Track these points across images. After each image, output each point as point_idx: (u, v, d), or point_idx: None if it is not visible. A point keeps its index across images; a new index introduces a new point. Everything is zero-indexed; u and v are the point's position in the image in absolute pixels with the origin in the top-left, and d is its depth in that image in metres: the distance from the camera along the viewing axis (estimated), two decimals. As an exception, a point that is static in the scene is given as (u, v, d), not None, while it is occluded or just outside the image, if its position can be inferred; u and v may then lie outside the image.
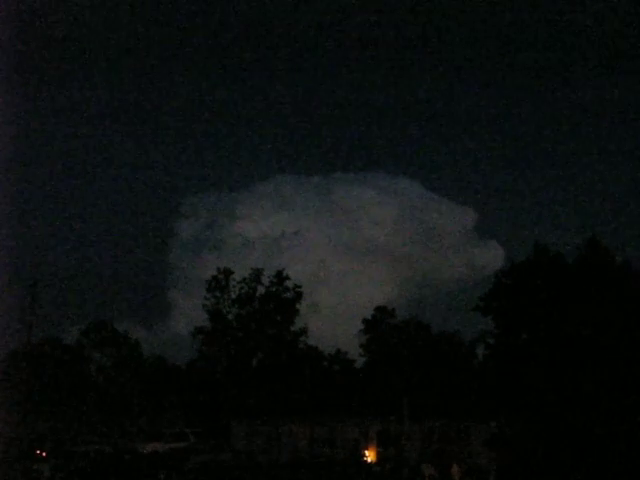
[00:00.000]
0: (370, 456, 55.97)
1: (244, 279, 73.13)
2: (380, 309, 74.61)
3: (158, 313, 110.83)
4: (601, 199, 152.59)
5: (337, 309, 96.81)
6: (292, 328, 72.94)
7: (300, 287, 73.57)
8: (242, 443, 59.46)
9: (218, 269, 73.69)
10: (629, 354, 47.97)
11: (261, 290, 73.30)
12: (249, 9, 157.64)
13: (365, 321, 73.98)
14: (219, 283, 72.91)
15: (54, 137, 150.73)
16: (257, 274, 73.43)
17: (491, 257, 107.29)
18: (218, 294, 72.79)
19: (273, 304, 72.81)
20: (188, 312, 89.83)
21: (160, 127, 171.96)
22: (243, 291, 72.96)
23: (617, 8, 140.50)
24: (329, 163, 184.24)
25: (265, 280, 73.34)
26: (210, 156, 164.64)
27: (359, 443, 57.26)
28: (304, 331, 73.01)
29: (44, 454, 52.81)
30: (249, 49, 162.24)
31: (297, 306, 73.09)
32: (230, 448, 57.87)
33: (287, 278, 73.45)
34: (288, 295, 73.04)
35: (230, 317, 72.72)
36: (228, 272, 73.43)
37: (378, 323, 73.75)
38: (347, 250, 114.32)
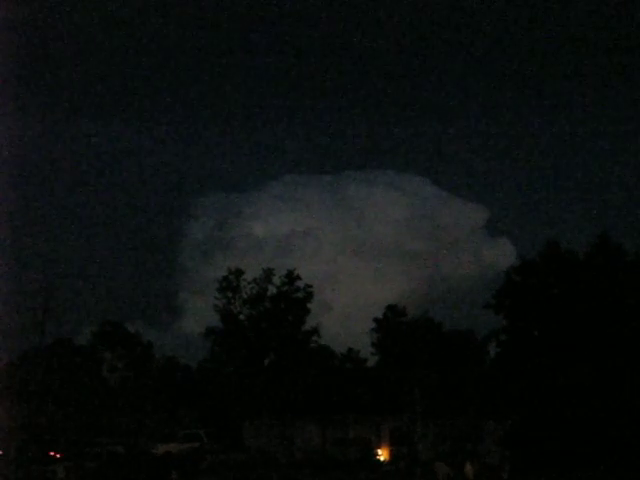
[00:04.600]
0: (383, 455, 56.02)
1: (255, 279, 73.14)
2: (391, 307, 74.53)
3: (169, 314, 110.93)
4: (612, 196, 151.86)
5: (348, 308, 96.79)
6: (303, 328, 72.91)
7: (311, 286, 73.55)
8: (255, 443, 59.54)
9: (229, 269, 73.75)
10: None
11: (272, 290, 73.31)
12: (259, 5, 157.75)
13: (376, 320, 73.93)
14: (230, 283, 72.94)
15: (63, 139, 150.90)
16: (268, 274, 73.42)
17: (502, 254, 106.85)
18: (229, 294, 72.82)
19: (284, 304, 72.79)
20: (199, 313, 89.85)
21: (169, 127, 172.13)
22: (254, 291, 72.97)
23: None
24: (338, 162, 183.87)
25: (276, 280, 73.34)
26: (219, 156, 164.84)
27: (372, 442, 57.29)
28: (316, 330, 72.97)
29: (58, 455, 53.02)
30: (258, 47, 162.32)
31: (308, 305, 73.06)
32: (243, 448, 57.93)
33: (298, 278, 73.43)
34: (299, 295, 73.02)
35: (241, 317, 72.75)
36: (239, 272, 73.44)
37: (389, 321, 73.68)
38: (358, 249, 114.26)
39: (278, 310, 72.42)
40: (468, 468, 45.09)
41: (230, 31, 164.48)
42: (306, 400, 60.89)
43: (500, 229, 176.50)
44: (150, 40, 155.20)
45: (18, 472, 44.12)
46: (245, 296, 72.94)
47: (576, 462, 45.18)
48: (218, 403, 68.76)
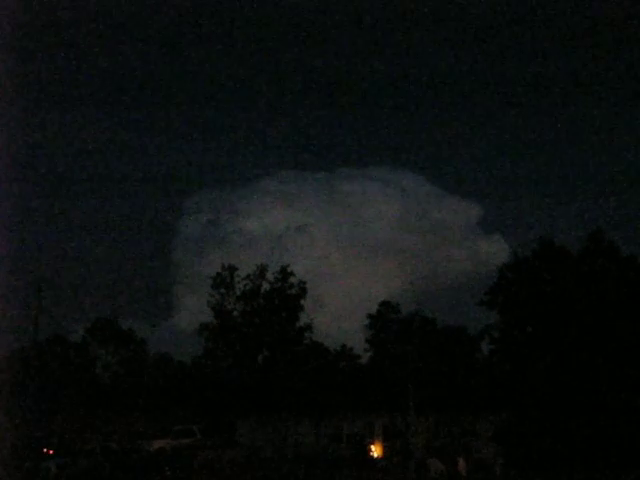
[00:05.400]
0: (376, 451, 56.05)
1: (248, 275, 73.19)
2: (385, 304, 74.64)
3: (163, 310, 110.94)
4: (605, 193, 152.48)
5: (342, 304, 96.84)
6: (297, 324, 72.98)
7: (304, 283, 73.63)
8: (248, 439, 59.55)
9: (222, 266, 73.78)
10: (634, 346, 47.99)
11: (266, 286, 73.36)
12: (252, 3, 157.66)
13: (370, 316, 74.00)
14: (223, 280, 72.98)
15: (55, 135, 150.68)
16: (261, 270, 73.48)
17: (496, 251, 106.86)
18: (223, 291, 72.87)
19: (278, 300, 72.85)
20: (193, 309, 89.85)
21: (162, 124, 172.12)
22: (248, 287, 73.01)
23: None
24: (332, 158, 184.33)
25: (269, 276, 73.42)
26: (212, 153, 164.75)
27: (365, 438, 57.34)
28: (309, 327, 73.04)
29: (51, 452, 52.98)
30: (252, 45, 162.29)
31: (302, 302, 73.14)
32: (236, 444, 57.96)
33: (291, 274, 73.51)
34: (293, 291, 73.09)
35: (235, 314, 72.81)
36: (232, 269, 73.49)
37: (383, 318, 73.77)
38: (351, 245, 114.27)
39: (272, 306, 72.49)
40: (461, 464, 45.19)
41: (225, 27, 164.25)
42: (299, 396, 60.91)
43: (494, 226, 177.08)
44: (144, 36, 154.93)
45: (11, 469, 44.03)
46: (239, 292, 73.00)
47: (569, 458, 45.30)
48: (212, 399, 68.79)
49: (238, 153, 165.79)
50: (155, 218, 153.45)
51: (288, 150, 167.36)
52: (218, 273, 73.31)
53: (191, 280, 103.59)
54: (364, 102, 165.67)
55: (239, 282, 73.09)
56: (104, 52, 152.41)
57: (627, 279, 50.81)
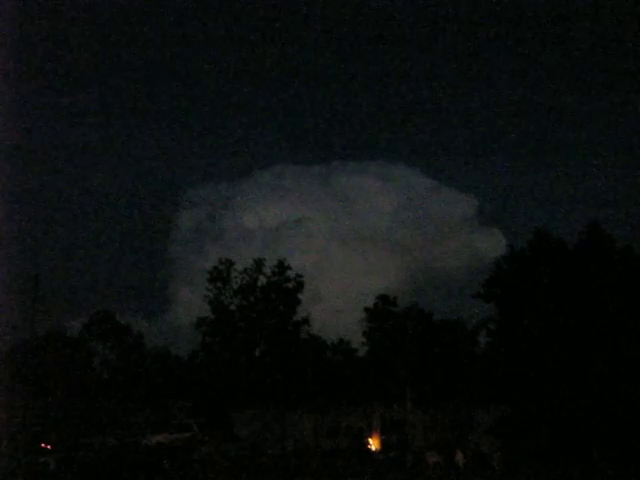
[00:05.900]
0: (374, 444, 56.19)
1: (245, 269, 73.11)
2: (382, 297, 74.60)
3: (160, 305, 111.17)
4: (602, 185, 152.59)
5: (339, 298, 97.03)
6: (294, 318, 72.90)
7: (301, 276, 73.54)
8: (246, 433, 59.67)
9: (219, 260, 73.70)
10: (630, 337, 48.13)
11: (263, 280, 73.26)
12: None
13: (367, 310, 74.00)
14: (220, 274, 72.88)
15: (54, 129, 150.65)
16: (258, 264, 73.38)
17: (492, 244, 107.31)
18: (220, 285, 72.76)
19: (275, 294, 72.76)
20: (190, 303, 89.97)
21: (159, 119, 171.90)
22: (244, 282, 72.92)
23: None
24: (329, 152, 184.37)
25: (266, 270, 73.33)
26: (209, 147, 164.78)
27: (363, 431, 57.49)
28: (306, 320, 72.99)
29: (49, 447, 53.01)
30: (250, 38, 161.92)
31: (299, 295, 73.07)
32: (234, 438, 58.05)
33: (288, 268, 73.42)
34: (290, 285, 72.99)
35: (232, 308, 72.71)
36: (229, 263, 73.39)
37: (380, 311, 73.75)
38: (348, 239, 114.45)
39: (269, 300, 72.40)
40: (459, 456, 45.38)
41: (221, 23, 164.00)
42: (297, 390, 61.03)
43: (490, 219, 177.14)
44: (143, 36, 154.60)
45: (10, 464, 44.06)
46: (236, 286, 72.89)
47: (566, 450, 45.46)
48: (209, 393, 68.83)
49: (234, 147, 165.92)
50: (152, 212, 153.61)
51: (285, 144, 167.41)
52: (215, 267, 73.24)
53: (188, 274, 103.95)
54: (360, 96, 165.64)
55: (236, 276, 73.03)
56: (107, 47, 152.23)
57: (623, 270, 50.94)
